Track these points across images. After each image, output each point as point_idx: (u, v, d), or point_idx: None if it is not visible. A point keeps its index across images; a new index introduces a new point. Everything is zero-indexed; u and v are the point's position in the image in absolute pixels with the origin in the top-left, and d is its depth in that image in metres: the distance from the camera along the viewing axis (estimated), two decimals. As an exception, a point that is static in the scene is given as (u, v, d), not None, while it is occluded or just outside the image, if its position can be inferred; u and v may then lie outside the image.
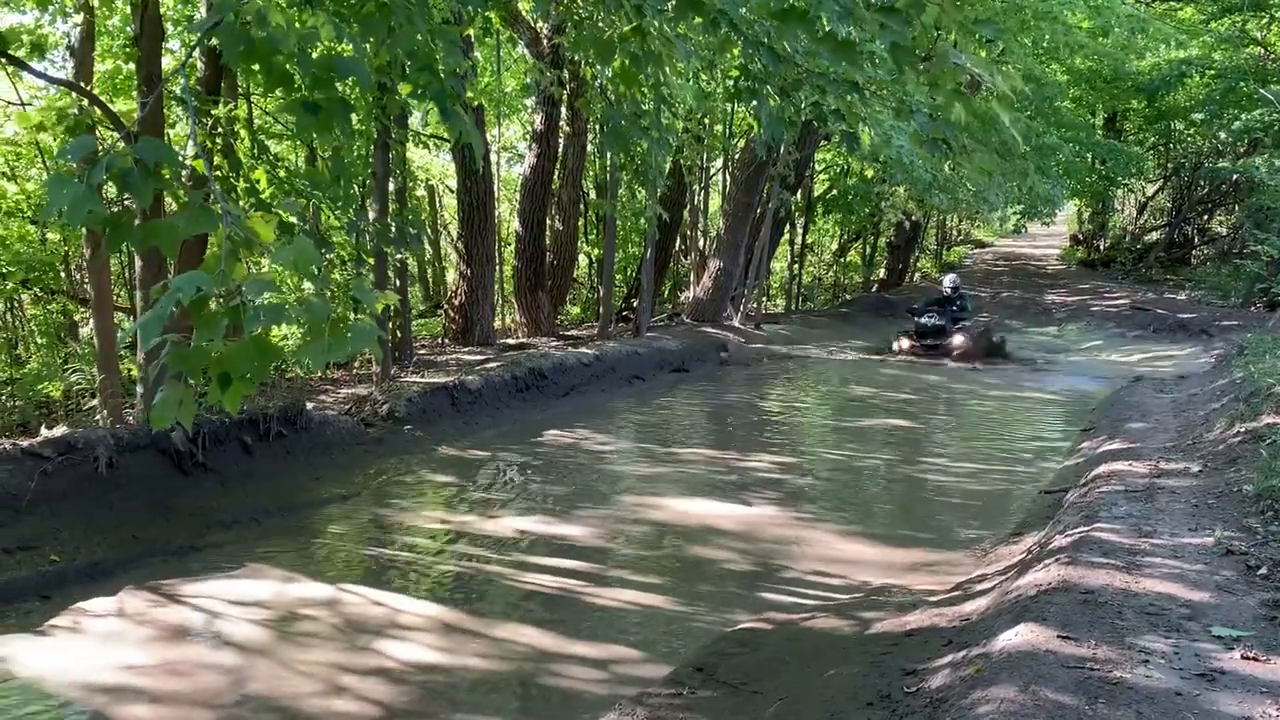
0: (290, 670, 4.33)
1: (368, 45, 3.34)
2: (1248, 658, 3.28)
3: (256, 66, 2.60)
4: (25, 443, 6.11)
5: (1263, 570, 4.16)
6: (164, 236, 2.26)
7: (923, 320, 15.43)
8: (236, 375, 2.19)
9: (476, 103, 12.78)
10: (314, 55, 2.67)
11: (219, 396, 2.23)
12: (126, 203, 4.68)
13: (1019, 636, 3.54)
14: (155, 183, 2.18)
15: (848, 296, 24.82)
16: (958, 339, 14.74)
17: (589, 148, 15.92)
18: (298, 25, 2.72)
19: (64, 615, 4.84)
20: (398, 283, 11.04)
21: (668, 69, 4.40)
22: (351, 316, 2.31)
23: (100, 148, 2.25)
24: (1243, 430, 6.82)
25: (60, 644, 4.55)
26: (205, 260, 2.25)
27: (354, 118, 8.12)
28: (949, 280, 16.86)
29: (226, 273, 2.11)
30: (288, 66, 2.64)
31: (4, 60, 6.52)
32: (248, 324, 2.11)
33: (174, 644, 4.58)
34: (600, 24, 5.74)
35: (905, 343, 15.31)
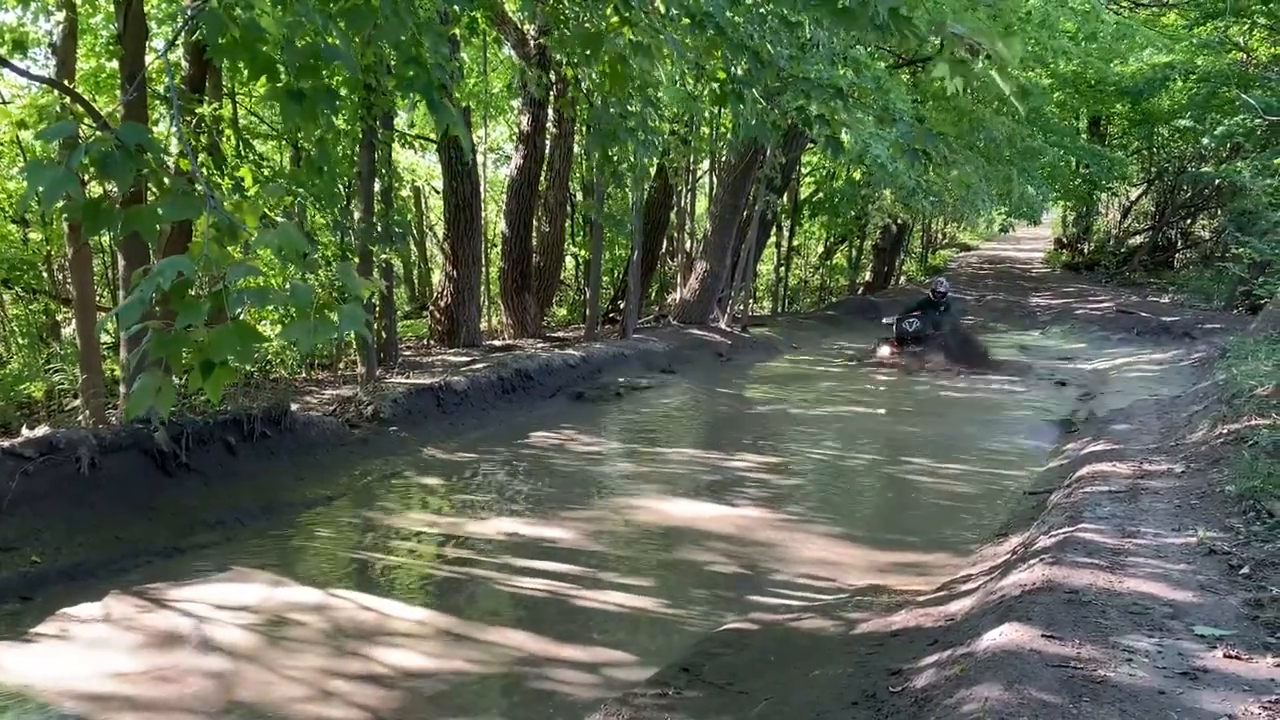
0: (279, 675, 4.30)
1: (355, 41, 3.33)
2: (1230, 656, 3.30)
3: (241, 55, 2.58)
4: (6, 443, 6.05)
5: (1245, 570, 4.19)
6: (145, 222, 2.24)
7: (904, 325, 15.06)
8: (218, 360, 2.17)
9: (464, 104, 12.76)
10: (299, 44, 2.66)
11: (200, 383, 2.20)
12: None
13: (1004, 636, 3.55)
14: (137, 166, 2.16)
15: (834, 299, 24.87)
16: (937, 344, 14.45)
17: (575, 149, 15.92)
18: (281, 13, 2.71)
19: (50, 621, 4.79)
20: (384, 283, 11.00)
21: (656, 64, 4.39)
22: (336, 312, 2.29)
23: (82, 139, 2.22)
24: (1225, 431, 6.87)
25: (47, 650, 4.51)
26: (190, 248, 2.22)
27: (340, 117, 8.10)
28: (941, 284, 16.42)
29: (210, 257, 2.10)
30: (272, 54, 2.62)
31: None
32: (231, 307, 2.09)
33: (162, 650, 4.53)
34: (586, 25, 5.75)
35: (886, 349, 14.94)
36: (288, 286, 2.23)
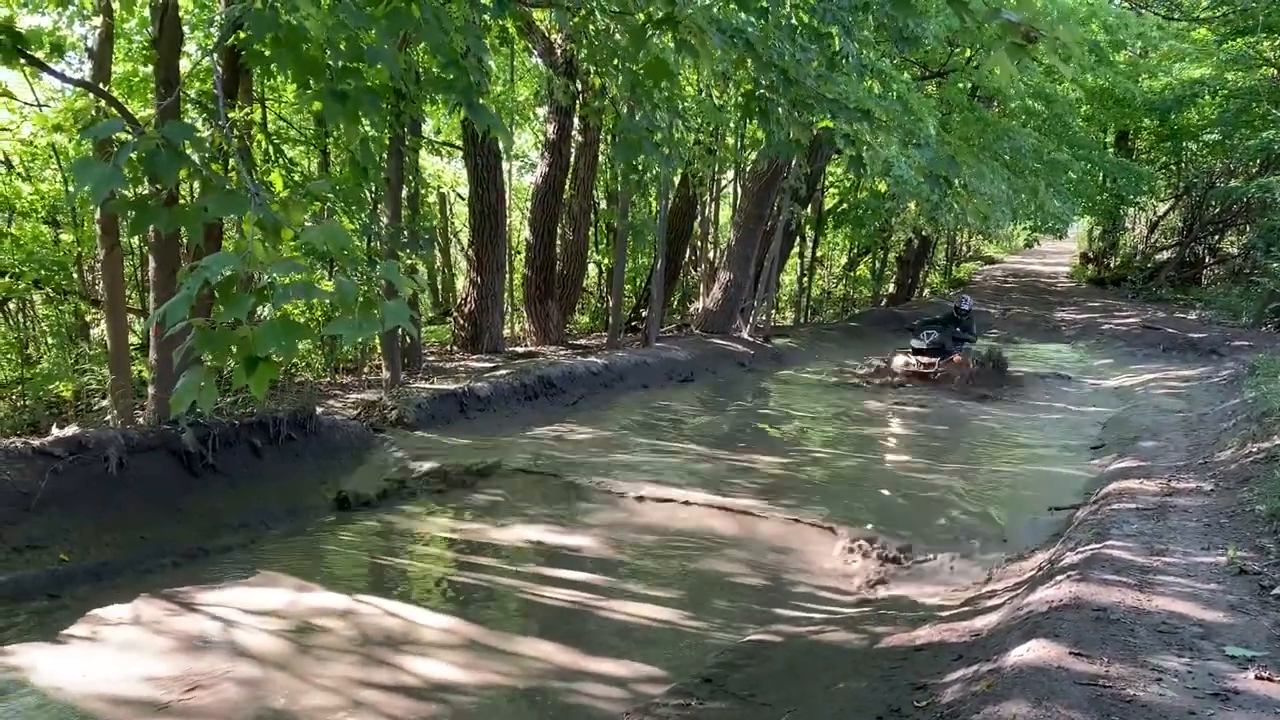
0: (308, 684, 4.31)
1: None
2: (1262, 678, 3.26)
3: (285, 58, 2.60)
4: (36, 442, 6.12)
5: (1276, 590, 4.14)
6: (190, 220, 2.27)
7: (920, 338, 14.57)
8: (263, 355, 2.18)
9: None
10: (341, 45, 2.68)
11: (245, 379, 2.22)
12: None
13: (1031, 652, 3.52)
14: (181, 164, 2.19)
15: (857, 310, 24.80)
16: (956, 359, 14.08)
17: (600, 157, 15.96)
18: (324, 16, 2.73)
19: (81, 622, 4.82)
20: (422, 274, 11.06)
21: (697, 65, 4.39)
22: (381, 308, 2.31)
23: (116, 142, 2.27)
24: (1255, 450, 6.79)
25: (78, 652, 4.53)
26: (235, 245, 2.25)
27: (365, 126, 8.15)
28: (965, 300, 15.89)
29: (254, 254, 2.12)
30: (315, 54, 2.64)
31: (23, 61, 6.56)
32: (276, 301, 2.12)
33: (192, 654, 4.55)
34: (617, 35, 5.77)
35: (901, 360, 14.53)
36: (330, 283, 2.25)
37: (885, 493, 7.99)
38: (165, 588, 5.25)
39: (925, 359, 14.28)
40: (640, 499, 7.29)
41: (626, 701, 4.21)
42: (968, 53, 15.38)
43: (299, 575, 5.57)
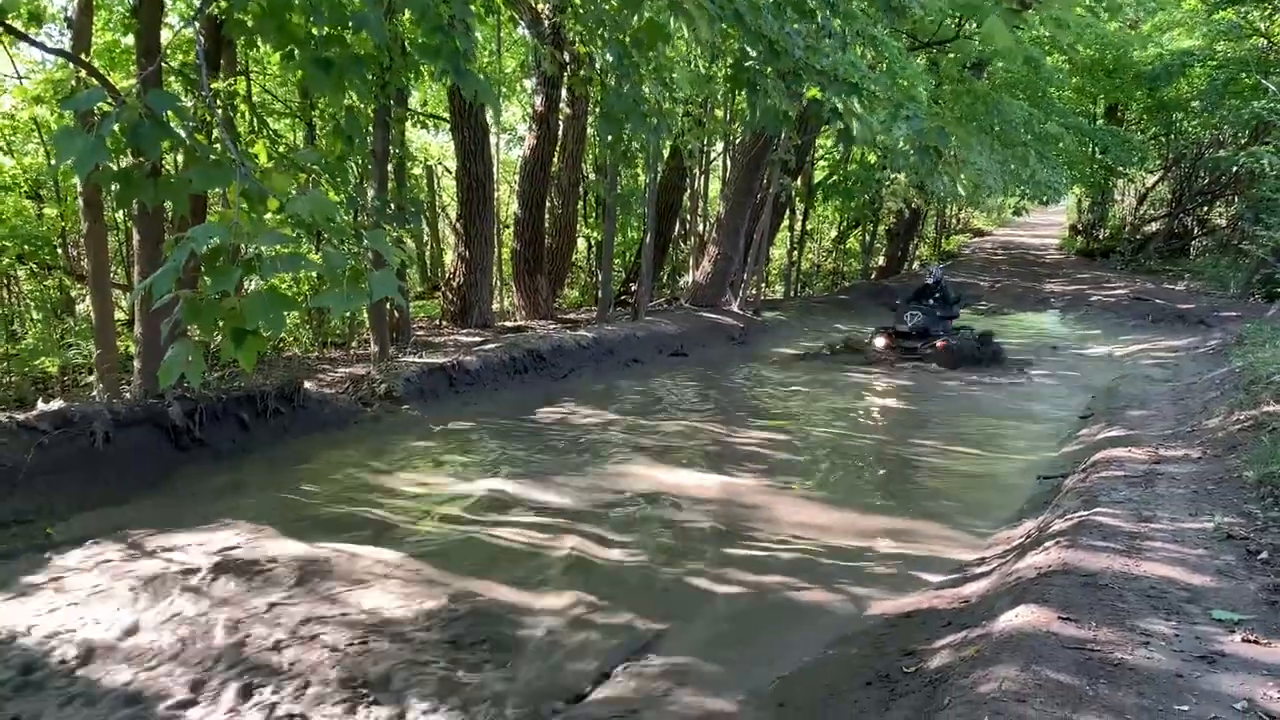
0: (257, 620, 4.34)
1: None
2: (1248, 641, 3.28)
3: (267, 27, 2.56)
4: (22, 416, 6.08)
5: (1263, 555, 4.17)
6: (176, 192, 2.24)
7: (905, 317, 13.86)
8: (252, 328, 2.16)
9: (477, 82, 12.68)
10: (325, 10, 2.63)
11: (233, 352, 2.19)
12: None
13: (1019, 617, 3.54)
14: (165, 135, 2.15)
15: (846, 283, 24.77)
16: (940, 344, 13.31)
17: (589, 130, 15.84)
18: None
19: (41, 572, 4.81)
20: (410, 243, 10.97)
21: (693, 27, 4.34)
22: (368, 279, 2.27)
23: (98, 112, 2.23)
24: (1242, 418, 6.82)
25: (37, 602, 4.50)
26: (221, 216, 2.21)
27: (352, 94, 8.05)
28: (933, 271, 15.36)
29: (241, 225, 2.08)
30: (298, 23, 2.60)
31: (2, 30, 6.46)
32: (263, 273, 2.09)
33: (150, 599, 4.54)
34: (605, 5, 5.70)
35: (881, 341, 13.80)
36: (318, 254, 2.22)
37: (874, 464, 8.01)
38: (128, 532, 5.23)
39: (907, 343, 13.64)
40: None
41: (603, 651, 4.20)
42: (961, 20, 15.30)
43: (276, 533, 5.50)
